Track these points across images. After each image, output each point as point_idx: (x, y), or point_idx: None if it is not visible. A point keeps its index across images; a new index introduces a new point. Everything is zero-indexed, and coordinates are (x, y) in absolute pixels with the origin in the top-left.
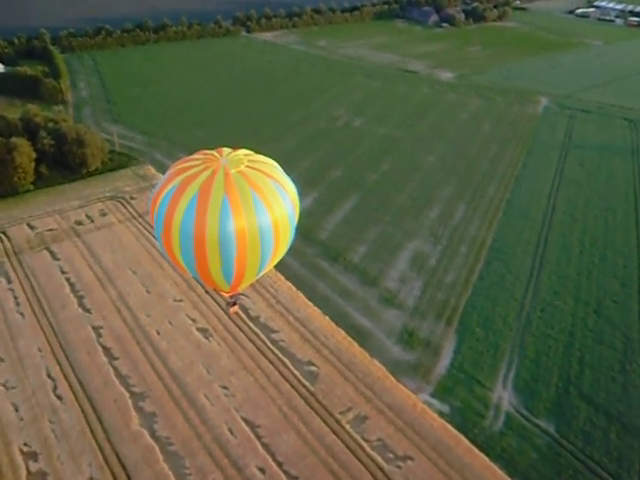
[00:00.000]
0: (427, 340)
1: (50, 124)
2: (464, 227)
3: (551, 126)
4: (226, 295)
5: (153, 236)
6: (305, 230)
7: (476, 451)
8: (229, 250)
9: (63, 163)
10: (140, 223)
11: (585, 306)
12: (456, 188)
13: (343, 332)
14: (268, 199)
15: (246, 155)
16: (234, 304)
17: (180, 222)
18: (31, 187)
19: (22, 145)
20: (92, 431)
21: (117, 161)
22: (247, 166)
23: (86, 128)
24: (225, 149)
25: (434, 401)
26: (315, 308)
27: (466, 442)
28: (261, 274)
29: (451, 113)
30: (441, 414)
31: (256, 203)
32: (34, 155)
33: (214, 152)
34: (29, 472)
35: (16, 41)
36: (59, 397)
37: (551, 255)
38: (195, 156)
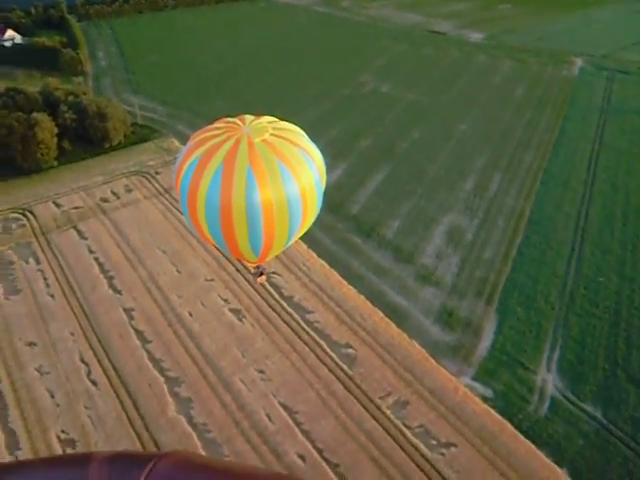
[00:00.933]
0: (467, 320)
1: (70, 97)
2: (501, 199)
3: (588, 89)
4: (252, 265)
5: (180, 212)
6: (335, 204)
7: (521, 438)
8: (256, 221)
9: (85, 137)
10: (166, 199)
11: (630, 283)
12: (490, 157)
13: (380, 312)
14: (295, 168)
15: (270, 122)
16: (261, 274)
17: (205, 195)
18: (55, 163)
19: (43, 120)
20: (129, 418)
21: (139, 134)
22: (272, 134)
23: (107, 101)
24: (247, 116)
25: (476, 385)
26: (350, 287)
27: (511, 428)
28: (289, 244)
29: (482, 77)
30: (484, 399)
31: (283, 172)
32: (56, 130)
33: (236, 120)
34: None
35: (33, 10)
36: (94, 382)
37: (593, 228)
38: (216, 125)
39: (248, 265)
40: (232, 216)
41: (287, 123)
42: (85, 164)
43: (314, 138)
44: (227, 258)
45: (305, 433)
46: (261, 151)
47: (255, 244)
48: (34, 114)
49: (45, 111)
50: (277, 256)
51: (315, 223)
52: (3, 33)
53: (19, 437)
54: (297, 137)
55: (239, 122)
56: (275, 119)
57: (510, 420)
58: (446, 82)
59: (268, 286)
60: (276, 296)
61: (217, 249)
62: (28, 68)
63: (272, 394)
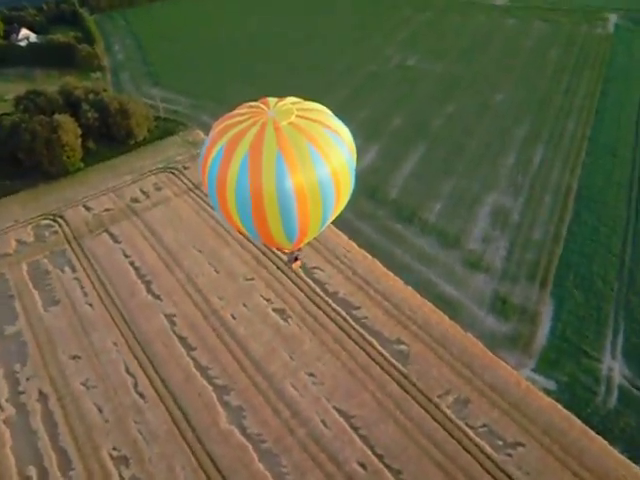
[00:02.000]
0: (522, 307)
1: (91, 95)
2: (545, 173)
3: (627, 47)
4: (287, 252)
5: (212, 208)
6: (372, 189)
7: (592, 433)
8: (289, 207)
9: (109, 136)
10: (197, 195)
11: None
12: (531, 128)
13: (430, 304)
14: (324, 150)
15: (294, 104)
16: (295, 259)
17: (235, 184)
18: (81, 165)
19: (66, 122)
20: (180, 431)
21: (164, 128)
22: (298, 116)
23: (129, 97)
24: (271, 99)
25: (538, 377)
26: (396, 278)
27: (579, 423)
28: (324, 227)
29: (513, 42)
30: (547, 392)
31: (313, 155)
32: (79, 131)
33: (259, 104)
34: (122, 478)
35: (45, 7)
36: (141, 395)
37: None
38: (239, 110)
39: (283, 252)
40: (263, 204)
41: (312, 103)
42: (111, 163)
43: (344, 120)
44: (266, 255)
45: (363, 438)
46: (289, 135)
47: (289, 231)
48: (56, 116)
49: (67, 112)
50: (317, 249)
51: (353, 211)
52: (18, 33)
53: (71, 456)
54: (324, 116)
55: (263, 106)
56: (299, 99)
57: (578, 414)
58: (476, 50)
59: (311, 283)
60: (320, 293)
61: (250, 241)
62: (45, 67)
63: (325, 398)
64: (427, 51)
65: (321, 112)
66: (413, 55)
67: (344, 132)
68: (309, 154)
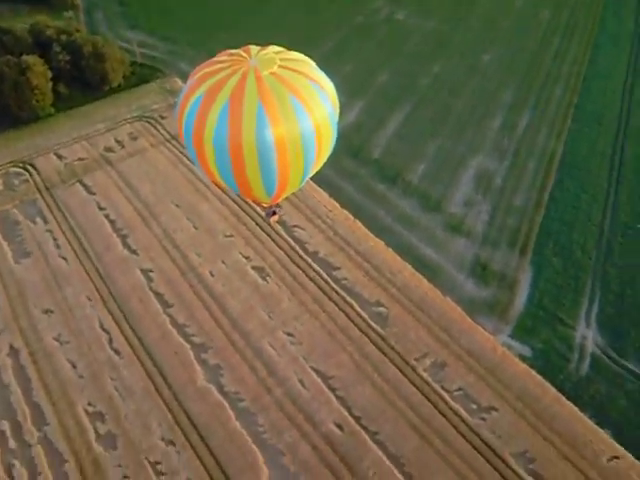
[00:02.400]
0: (501, 273)
1: (63, 36)
2: (531, 138)
3: (617, 11)
4: (265, 205)
5: (190, 161)
6: (355, 148)
7: (563, 400)
8: (269, 160)
9: (81, 80)
10: (175, 146)
11: None
12: (518, 92)
13: (410, 267)
14: (307, 102)
15: (277, 53)
16: (273, 213)
17: (212, 135)
18: (52, 110)
19: (35, 64)
20: (157, 388)
21: (140, 74)
22: (280, 66)
23: (103, 40)
24: (253, 47)
25: (514, 343)
26: (377, 240)
27: (553, 390)
28: (304, 182)
29: (503, 1)
30: (523, 358)
31: (295, 107)
32: (50, 74)
33: (240, 51)
34: (98, 434)
35: None
36: (116, 351)
37: (629, 170)
38: (220, 58)
39: (261, 206)
40: (243, 156)
41: (295, 53)
42: (85, 110)
43: (328, 74)
44: (246, 212)
45: (341, 400)
46: (271, 85)
47: (269, 184)
48: (25, 57)
49: (36, 53)
50: (298, 207)
51: (335, 169)
52: None
53: (45, 411)
54: (307, 68)
55: (244, 54)
56: (282, 49)
57: (551, 381)
58: (465, 7)
59: (292, 241)
60: (300, 252)
61: (230, 197)
62: (13, 3)
63: (303, 358)
64: (416, 5)
65: (305, 63)
66: (402, 9)
67: (327, 85)
68: (291, 106)
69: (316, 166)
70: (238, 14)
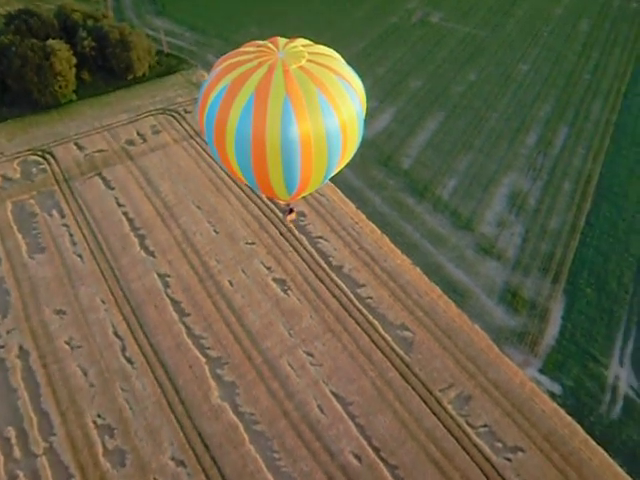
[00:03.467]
0: (533, 301)
1: (89, 21)
2: (567, 157)
3: None
4: (283, 203)
5: (214, 160)
6: (385, 156)
7: (593, 444)
8: (292, 157)
9: (106, 68)
10: (198, 143)
11: None
12: (555, 106)
13: (438, 289)
14: (335, 99)
15: (305, 46)
16: (291, 211)
17: (235, 128)
18: (74, 97)
19: (60, 49)
20: (169, 403)
21: (166, 65)
22: (309, 60)
23: (130, 28)
24: (280, 39)
25: (544, 379)
26: (404, 257)
27: (582, 433)
28: (326, 181)
29: (542, 7)
30: (552, 395)
31: (322, 104)
32: (74, 60)
33: (267, 43)
34: (106, 449)
35: None
36: (129, 360)
37: None
38: (246, 49)
39: (279, 203)
40: (265, 151)
41: (323, 47)
42: (107, 99)
43: (359, 75)
44: (269, 218)
45: (360, 428)
46: (299, 79)
47: (290, 182)
48: (50, 41)
49: (62, 37)
50: (323, 216)
51: (363, 178)
52: None
53: (53, 420)
54: (336, 63)
55: (271, 46)
56: (310, 42)
57: (581, 422)
58: (503, 12)
59: (315, 253)
60: (324, 265)
61: (253, 201)
62: None
63: (323, 381)
64: (452, 8)
65: (333, 58)
66: (437, 11)
67: (356, 83)
68: (318, 102)
69: (339, 166)
70: (269, 9)
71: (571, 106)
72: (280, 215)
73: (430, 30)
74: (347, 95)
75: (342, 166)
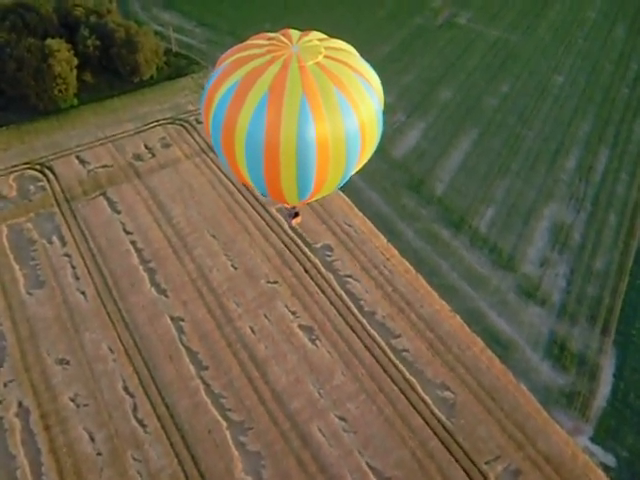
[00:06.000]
0: (581, 355)
1: (92, 17)
2: (610, 185)
3: None
4: (288, 207)
5: (231, 180)
6: (417, 181)
7: None
8: (308, 161)
9: (110, 69)
10: (212, 160)
11: None
12: (594, 125)
13: (480, 341)
14: (354, 98)
15: (321, 40)
16: (296, 215)
17: (246, 129)
18: (75, 101)
19: (60, 49)
20: (187, 477)
21: (175, 66)
22: (326, 56)
23: (137, 25)
24: (292, 31)
25: (596, 449)
26: (442, 302)
27: None
28: (340, 186)
29: (575, 9)
30: (606, 468)
31: (341, 103)
32: (75, 61)
33: (280, 36)
34: None
35: None
36: (141, 423)
37: None
38: (256, 41)
39: (285, 206)
40: (279, 154)
41: (339, 41)
42: (111, 105)
43: (385, 84)
44: (291, 251)
45: None
46: (316, 77)
47: (303, 186)
48: (49, 41)
49: (62, 35)
50: (352, 251)
51: (395, 207)
52: None
53: None
54: (353, 59)
55: (284, 39)
56: (324, 35)
57: None
58: (534, 14)
59: (344, 295)
60: (355, 311)
61: (274, 232)
62: None
63: (358, 452)
64: (480, 7)
65: (350, 53)
66: (465, 11)
67: (373, 78)
68: (337, 101)
69: (357, 167)
70: (285, 6)
71: (611, 125)
72: (304, 249)
73: (458, 33)
74: (366, 93)
75: (358, 168)
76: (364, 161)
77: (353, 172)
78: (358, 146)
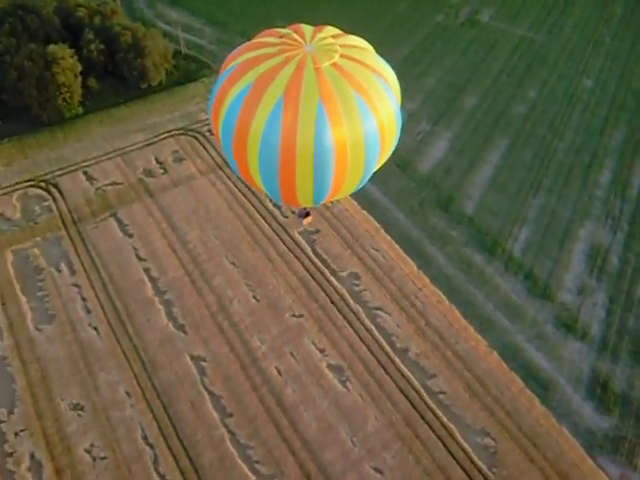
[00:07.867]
0: (625, 395)
1: (97, 19)
2: None
3: None
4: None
5: (249, 201)
6: (445, 198)
7: None
8: (325, 167)
9: (116, 74)
10: (228, 177)
11: None
12: (627, 134)
13: (519, 380)
14: (373, 100)
15: (335, 37)
16: (307, 214)
17: (261, 135)
18: (80, 110)
19: (64, 56)
20: None
21: (184, 70)
22: (342, 55)
23: (144, 27)
24: (305, 27)
25: None
26: (478, 336)
27: None
28: (358, 189)
29: (600, 4)
30: None
31: (360, 106)
32: (79, 67)
33: (291, 33)
34: None
35: None
36: (164, 479)
37: None
38: (267, 39)
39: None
40: (294, 159)
41: (354, 37)
42: (118, 114)
43: (407, 89)
44: (317, 281)
45: None
46: (332, 79)
47: (319, 192)
48: (51, 47)
49: (64, 40)
50: (381, 280)
51: (424, 228)
52: None
53: None
54: (369, 57)
55: (297, 37)
56: (339, 31)
57: None
58: (559, 11)
59: (375, 330)
60: (386, 347)
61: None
62: None
63: None
64: (501, 5)
65: (366, 50)
66: (487, 8)
67: (391, 76)
68: (356, 105)
69: (375, 168)
70: (300, 4)
71: None
72: (330, 278)
73: (481, 32)
74: (384, 93)
75: (377, 168)
76: (383, 162)
77: (372, 174)
78: (377, 148)
